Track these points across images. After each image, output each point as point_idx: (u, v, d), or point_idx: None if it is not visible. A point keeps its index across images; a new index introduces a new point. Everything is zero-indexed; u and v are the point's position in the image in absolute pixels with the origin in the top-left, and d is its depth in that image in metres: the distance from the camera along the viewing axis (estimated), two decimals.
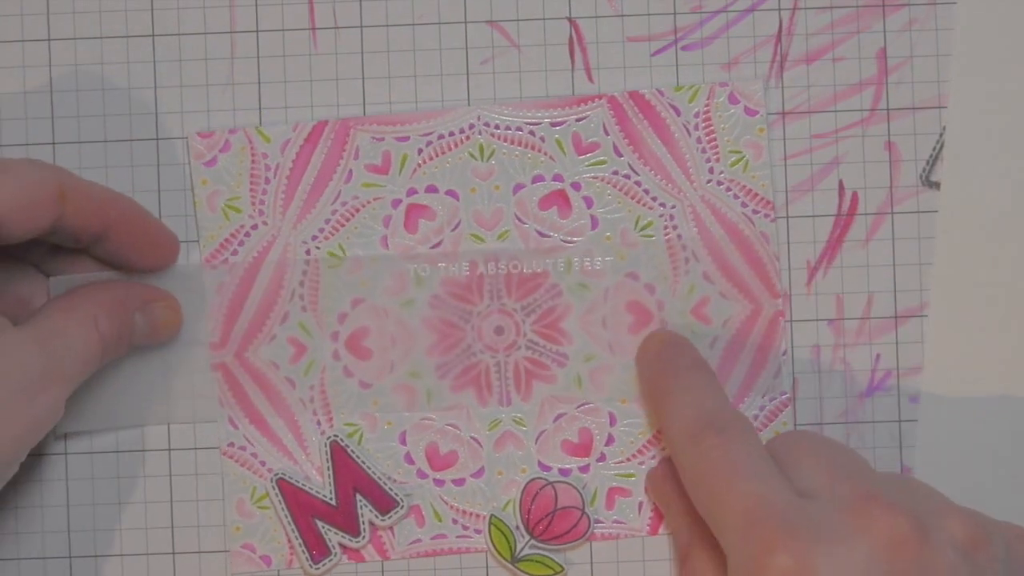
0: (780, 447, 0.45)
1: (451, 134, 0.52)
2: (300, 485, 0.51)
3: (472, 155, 0.52)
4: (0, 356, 0.44)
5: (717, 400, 0.47)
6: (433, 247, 0.52)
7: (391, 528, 0.51)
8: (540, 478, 0.51)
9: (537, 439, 0.52)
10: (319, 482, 0.52)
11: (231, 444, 0.52)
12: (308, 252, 0.52)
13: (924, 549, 0.41)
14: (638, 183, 0.52)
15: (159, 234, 0.51)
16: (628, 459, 0.52)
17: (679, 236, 0.52)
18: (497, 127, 0.52)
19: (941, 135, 0.52)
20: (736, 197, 0.52)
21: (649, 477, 0.51)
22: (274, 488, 0.51)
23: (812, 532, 0.41)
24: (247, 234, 0.52)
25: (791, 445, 0.46)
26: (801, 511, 0.41)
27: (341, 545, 0.51)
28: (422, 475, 0.52)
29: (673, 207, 0.52)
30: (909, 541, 0.41)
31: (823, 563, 0.40)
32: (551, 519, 0.51)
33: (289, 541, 0.51)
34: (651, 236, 0.52)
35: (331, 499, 0.51)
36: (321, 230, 0.52)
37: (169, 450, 0.52)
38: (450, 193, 0.52)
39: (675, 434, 0.46)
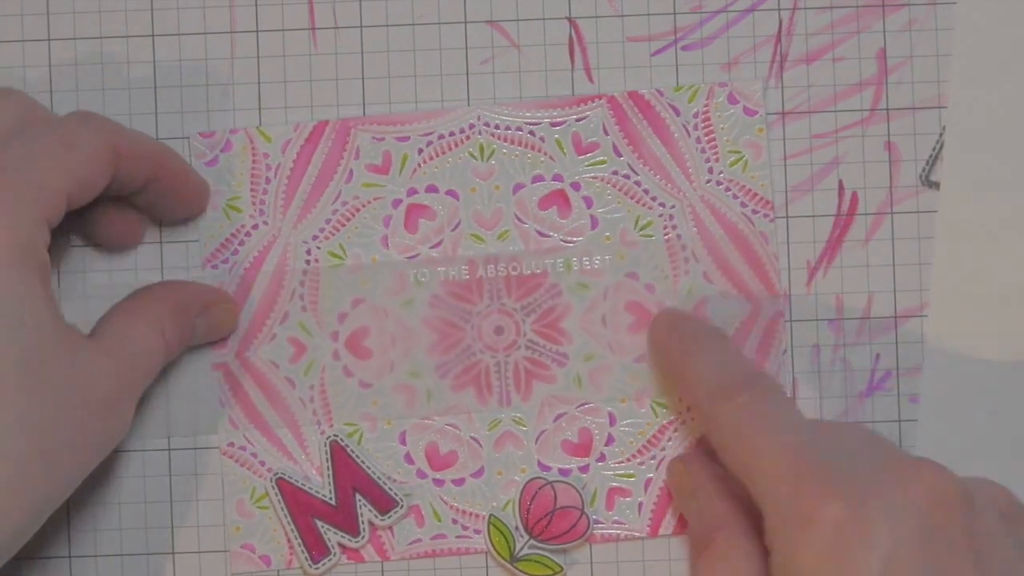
0: None
1: (451, 134, 0.52)
2: (300, 485, 0.51)
3: (472, 155, 0.52)
4: (79, 375, 0.43)
5: (742, 359, 0.47)
6: (433, 247, 0.52)
7: (391, 528, 0.51)
8: (539, 478, 0.51)
9: (537, 439, 0.52)
10: (319, 482, 0.52)
11: (231, 444, 0.52)
12: (308, 252, 0.52)
13: (969, 510, 0.40)
14: (638, 183, 0.52)
15: (195, 184, 0.51)
16: (628, 459, 0.52)
17: (679, 236, 0.52)
18: (497, 127, 0.52)
19: (941, 135, 0.52)
20: (735, 197, 0.52)
21: (678, 461, 0.50)
22: (274, 488, 0.51)
23: (862, 483, 0.40)
24: (248, 234, 0.52)
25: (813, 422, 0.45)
26: (848, 463, 0.41)
27: (341, 545, 0.51)
28: (422, 475, 0.52)
29: (673, 207, 0.52)
30: (955, 501, 0.40)
31: (876, 513, 0.39)
32: (550, 519, 0.51)
33: (289, 541, 0.51)
34: (651, 236, 0.52)
35: (331, 499, 0.51)
36: (321, 230, 0.52)
37: (169, 450, 0.52)
38: (450, 193, 0.52)
39: (704, 394, 0.46)
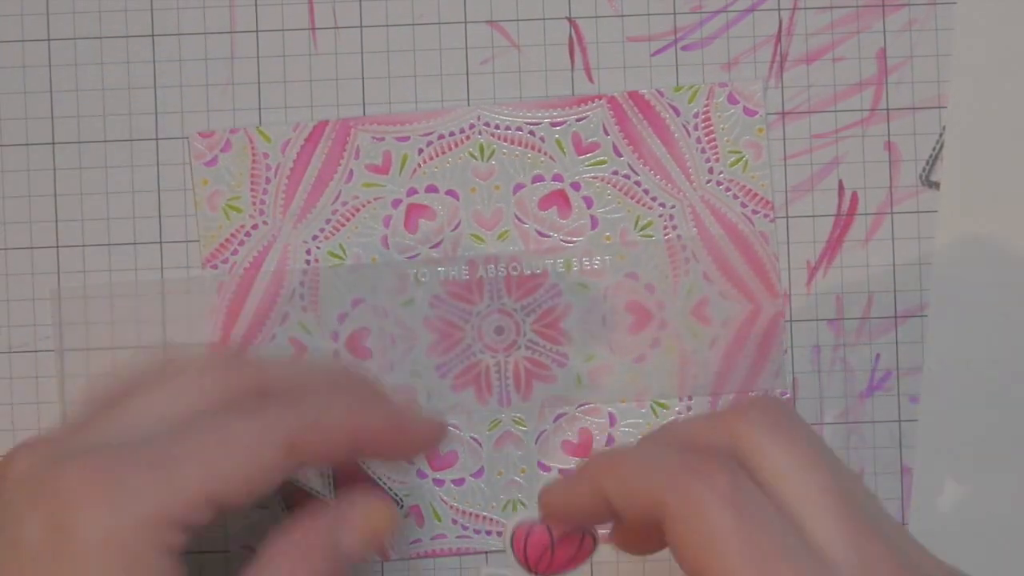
0: (785, 464, 0.38)
1: (451, 134, 0.52)
2: (300, 484, 0.51)
3: (472, 155, 0.52)
4: None
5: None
6: (433, 247, 0.52)
7: None
8: (525, 521, 0.48)
9: (537, 439, 0.52)
10: (319, 482, 0.51)
11: None
12: (308, 252, 0.52)
13: None
14: (638, 183, 0.52)
15: (422, 432, 0.45)
16: None
17: (679, 236, 0.52)
18: (497, 127, 0.52)
19: (941, 135, 0.52)
20: (735, 197, 0.52)
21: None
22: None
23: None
24: (247, 234, 0.52)
25: (801, 473, 0.38)
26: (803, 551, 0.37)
27: None
28: (422, 475, 0.52)
29: (673, 207, 0.52)
30: None
31: None
32: (552, 552, 0.50)
33: None
34: (651, 236, 0.52)
35: (331, 499, 0.51)
36: (321, 230, 0.52)
37: None
38: (450, 193, 0.52)
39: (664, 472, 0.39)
